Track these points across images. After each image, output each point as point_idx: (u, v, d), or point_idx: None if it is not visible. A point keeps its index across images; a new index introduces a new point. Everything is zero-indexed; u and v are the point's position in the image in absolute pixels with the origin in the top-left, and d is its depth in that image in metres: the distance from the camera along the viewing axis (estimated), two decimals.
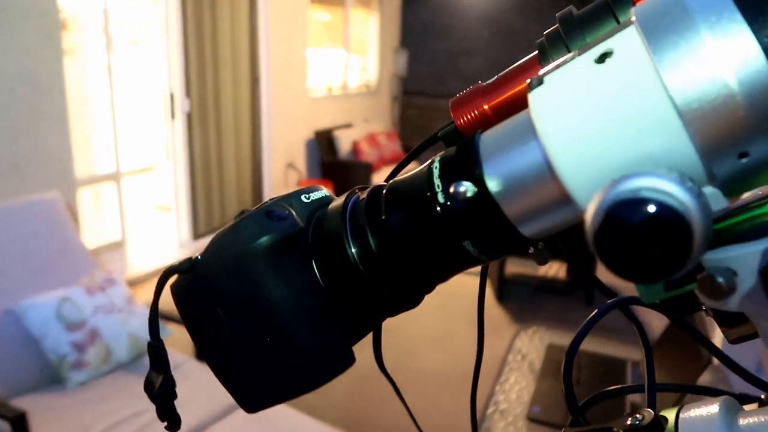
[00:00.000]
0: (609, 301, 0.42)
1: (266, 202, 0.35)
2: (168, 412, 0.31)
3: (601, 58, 0.25)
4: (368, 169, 5.28)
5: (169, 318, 2.49)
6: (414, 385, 2.51)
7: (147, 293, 3.67)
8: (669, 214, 0.20)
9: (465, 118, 0.39)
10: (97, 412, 1.92)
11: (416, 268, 0.32)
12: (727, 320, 0.30)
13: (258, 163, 4.88)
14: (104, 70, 3.58)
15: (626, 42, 0.25)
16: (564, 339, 1.86)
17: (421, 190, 0.31)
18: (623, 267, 0.21)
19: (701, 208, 0.21)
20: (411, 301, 0.34)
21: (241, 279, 0.30)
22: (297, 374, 0.31)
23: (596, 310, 0.41)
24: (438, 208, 0.30)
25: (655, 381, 0.38)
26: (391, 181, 0.34)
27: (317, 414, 1.99)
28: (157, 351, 0.31)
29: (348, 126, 5.95)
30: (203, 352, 0.33)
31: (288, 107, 5.14)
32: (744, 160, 0.23)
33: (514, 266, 3.76)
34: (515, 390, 1.54)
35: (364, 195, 0.34)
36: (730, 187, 0.24)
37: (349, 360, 0.32)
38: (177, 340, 2.39)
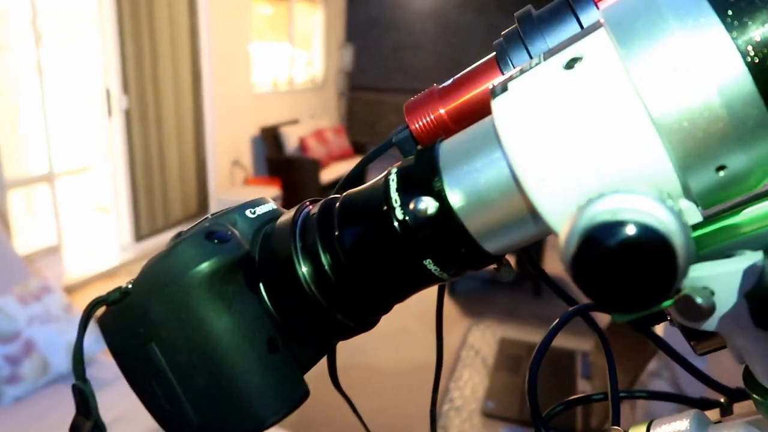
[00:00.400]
0: (570, 309, 0.41)
1: (205, 219, 0.32)
2: None
3: (570, 64, 0.23)
4: (316, 165, 5.21)
5: None
6: (367, 384, 2.49)
7: (86, 300, 3.50)
8: (651, 236, 0.19)
9: (420, 123, 0.37)
10: (35, 428, 1.82)
11: (372, 289, 0.30)
12: (695, 335, 0.29)
13: (202, 161, 4.74)
14: (34, 65, 3.39)
15: (596, 47, 0.23)
16: (515, 333, 1.88)
17: (378, 204, 0.28)
18: (604, 295, 0.20)
19: (682, 228, 0.19)
20: (366, 323, 0.32)
21: (179, 311, 0.27)
22: (245, 416, 0.28)
23: (558, 320, 0.40)
24: (396, 224, 0.28)
25: (618, 391, 0.37)
26: (344, 194, 0.31)
27: None
28: (82, 394, 0.28)
29: (294, 122, 5.86)
30: (136, 390, 0.29)
31: (232, 103, 5.01)
32: (722, 173, 0.21)
33: None
34: (469, 386, 1.54)
35: (315, 209, 0.31)
36: (705, 199, 0.23)
37: (303, 395, 0.30)
38: None
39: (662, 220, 0.19)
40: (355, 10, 7.54)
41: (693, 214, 0.23)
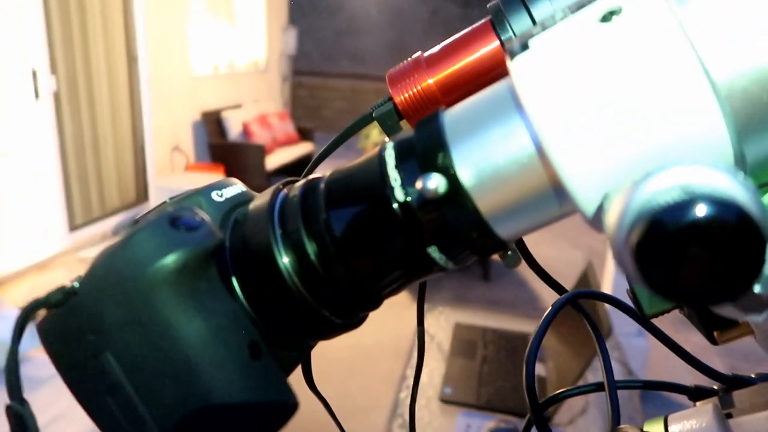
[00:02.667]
0: (560, 297, 0.38)
1: (164, 203, 0.27)
2: None
3: (607, 16, 0.20)
4: (261, 151, 5.08)
5: None
6: (318, 373, 2.45)
7: (17, 294, 3.30)
8: (732, 214, 0.16)
9: (406, 95, 0.33)
10: None
11: (365, 281, 0.26)
12: (717, 324, 0.27)
13: (140, 147, 4.53)
14: None
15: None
16: (468, 317, 1.88)
17: (372, 183, 0.24)
18: (677, 287, 0.16)
19: (760, 203, 0.16)
20: (354, 320, 0.28)
21: (139, 314, 0.22)
22: None
23: (550, 308, 0.37)
24: (395, 206, 0.24)
25: (615, 380, 0.35)
26: (330, 173, 0.27)
27: None
28: (19, 419, 0.23)
29: (237, 107, 5.68)
30: (87, 409, 0.24)
31: (170, 86, 4.80)
32: None
33: None
34: (426, 372, 1.53)
35: (294, 192, 0.27)
36: (761, 174, 0.20)
37: (293, 408, 0.26)
38: None
39: (740, 196, 0.16)
40: None
41: None
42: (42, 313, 0.24)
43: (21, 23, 3.53)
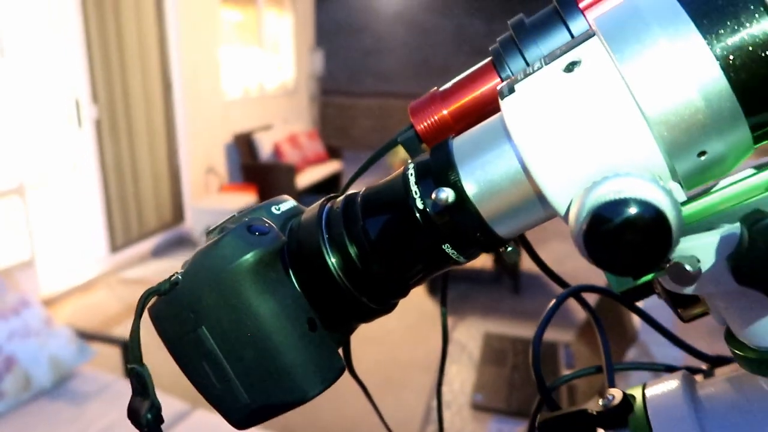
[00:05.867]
0: (564, 291, 0.45)
1: (232, 217, 0.35)
2: None
3: (570, 67, 0.27)
4: (291, 170, 5.21)
5: (92, 337, 2.36)
6: (353, 386, 2.51)
7: (65, 313, 3.45)
8: (650, 212, 0.22)
9: (425, 124, 0.40)
10: None
11: (396, 274, 0.33)
12: (681, 302, 0.33)
13: (176, 170, 4.71)
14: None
15: (592, 52, 0.27)
16: (498, 328, 1.92)
17: (399, 196, 0.31)
18: (611, 263, 0.23)
19: (675, 204, 0.23)
20: (387, 306, 0.35)
21: (228, 297, 0.30)
22: (289, 389, 0.31)
23: (554, 300, 0.44)
24: (417, 214, 0.31)
25: (612, 362, 0.41)
26: (365, 189, 0.34)
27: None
28: (140, 377, 0.30)
29: (267, 128, 5.85)
30: (186, 371, 0.32)
31: (203, 111, 4.98)
32: (702, 158, 0.25)
33: None
34: (457, 381, 1.58)
35: (337, 204, 0.34)
36: (689, 181, 0.26)
37: (341, 369, 0.33)
38: (102, 359, 2.28)
39: (658, 198, 0.22)
40: (323, 14, 7.56)
41: (679, 194, 0.26)
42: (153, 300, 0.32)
43: (65, 57, 3.74)
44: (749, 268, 0.23)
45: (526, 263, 3.24)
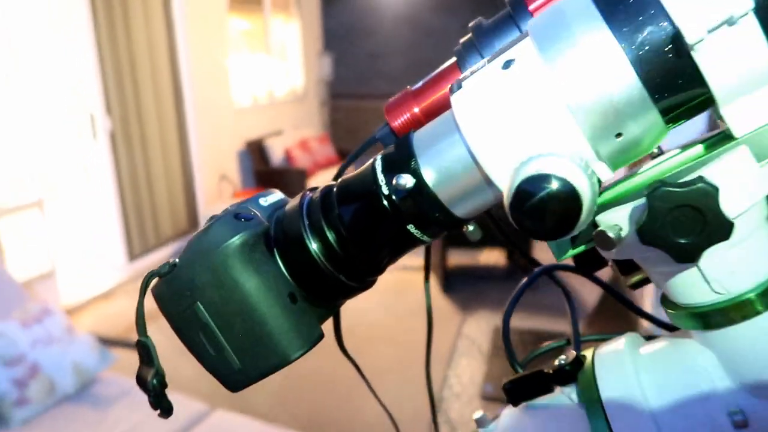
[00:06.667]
0: (536, 270, 0.48)
1: (228, 209, 0.39)
2: (161, 401, 0.35)
3: (506, 65, 0.31)
4: (303, 175, 5.28)
5: (113, 343, 2.43)
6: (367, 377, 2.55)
7: (85, 322, 3.54)
8: (563, 186, 0.26)
9: (399, 121, 0.45)
10: None
11: (369, 253, 0.37)
12: (625, 270, 0.37)
13: (189, 178, 4.79)
14: (17, 94, 3.43)
15: (524, 51, 0.31)
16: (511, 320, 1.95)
17: (367, 185, 0.36)
18: (532, 229, 0.27)
19: (589, 180, 0.27)
20: (365, 283, 0.39)
21: (218, 275, 0.34)
22: (273, 353, 0.35)
23: (525, 278, 0.47)
24: (383, 200, 0.35)
25: (579, 333, 0.45)
26: (339, 180, 0.38)
27: (281, 422, 2.00)
28: (145, 347, 0.35)
29: (278, 134, 5.93)
30: (186, 343, 0.36)
31: (215, 119, 5.07)
32: (619, 139, 0.29)
33: (457, 258, 3.87)
34: (467, 373, 1.62)
35: (316, 195, 0.39)
36: (613, 160, 0.30)
37: (319, 335, 0.37)
38: (124, 364, 2.34)
39: (572, 174, 0.26)
40: (329, 19, 7.63)
41: (605, 172, 0.30)
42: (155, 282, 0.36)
43: (78, 72, 3.83)
44: (648, 229, 0.26)
45: (541, 260, 3.25)
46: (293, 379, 2.49)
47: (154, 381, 0.34)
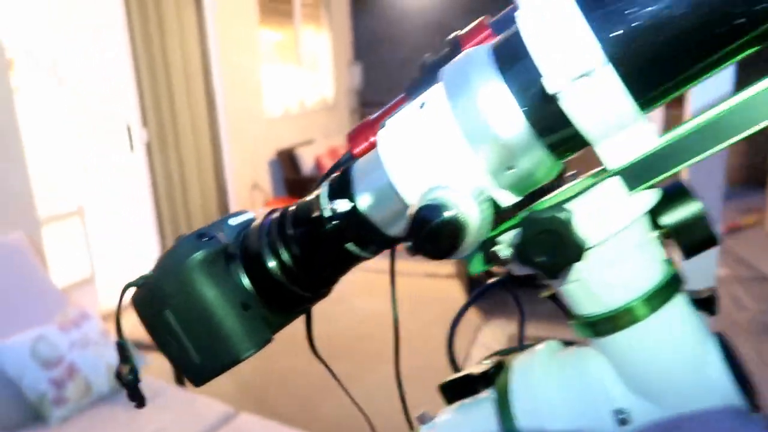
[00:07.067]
0: (488, 282, 0.53)
1: (200, 228, 0.45)
2: (135, 394, 0.41)
3: (421, 106, 0.36)
4: None
5: (146, 347, 2.54)
6: (391, 390, 2.59)
7: (123, 326, 3.67)
8: (450, 217, 0.31)
9: (359, 149, 0.50)
10: None
11: (318, 269, 0.42)
12: (538, 285, 0.41)
13: (222, 188, 4.93)
14: (61, 105, 3.60)
15: (436, 95, 0.35)
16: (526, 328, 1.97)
17: (313, 208, 0.41)
18: (423, 250, 0.32)
19: (478, 207, 0.31)
20: (319, 294, 0.44)
21: (183, 285, 0.41)
22: (227, 352, 0.41)
23: (477, 289, 0.52)
24: (325, 222, 0.40)
25: (523, 341, 0.49)
26: (295, 204, 0.44)
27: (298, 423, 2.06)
28: (123, 348, 0.41)
29: (309, 143, 6.04)
30: (158, 344, 0.43)
31: (247, 130, 5.20)
32: (510, 172, 0.33)
33: None
34: None
35: (276, 216, 0.44)
36: (514, 189, 0.34)
37: (267, 339, 0.43)
38: (156, 367, 2.44)
39: (458, 205, 0.31)
40: (359, 28, 7.73)
41: (507, 198, 0.34)
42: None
43: (116, 85, 4.00)
44: (520, 250, 0.31)
45: None
46: (317, 383, 2.56)
47: (130, 376, 0.40)
